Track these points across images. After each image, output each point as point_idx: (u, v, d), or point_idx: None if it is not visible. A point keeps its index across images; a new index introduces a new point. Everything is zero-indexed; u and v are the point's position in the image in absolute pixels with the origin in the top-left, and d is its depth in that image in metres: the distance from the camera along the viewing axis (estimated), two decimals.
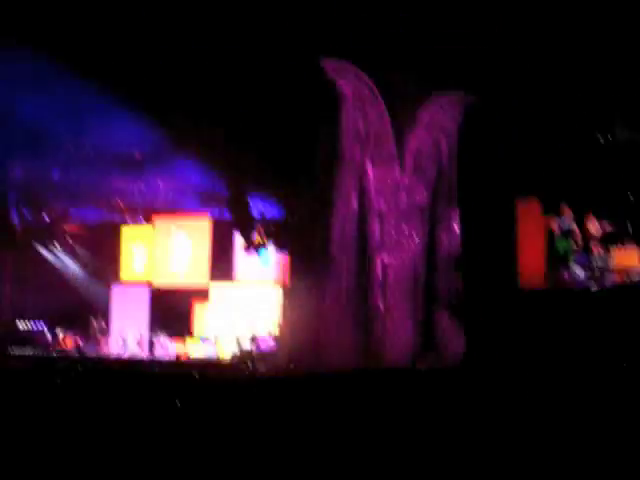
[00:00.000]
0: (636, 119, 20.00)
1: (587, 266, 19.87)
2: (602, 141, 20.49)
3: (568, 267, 20.29)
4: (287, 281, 22.71)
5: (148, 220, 26.72)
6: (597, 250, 18.88)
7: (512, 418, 8.37)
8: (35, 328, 25.92)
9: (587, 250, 20.02)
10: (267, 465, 6.31)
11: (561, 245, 20.55)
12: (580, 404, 9.11)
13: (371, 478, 5.95)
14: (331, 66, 18.90)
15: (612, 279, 19.30)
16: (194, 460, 6.38)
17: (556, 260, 20.72)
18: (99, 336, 25.87)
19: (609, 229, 19.77)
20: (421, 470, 6.13)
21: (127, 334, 25.57)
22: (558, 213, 20.52)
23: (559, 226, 20.36)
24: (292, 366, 17.78)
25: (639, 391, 10.39)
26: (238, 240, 24.21)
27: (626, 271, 19.65)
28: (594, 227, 17.70)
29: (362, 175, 19.33)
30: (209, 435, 7.41)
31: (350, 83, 19.15)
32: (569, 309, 19.04)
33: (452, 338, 19.73)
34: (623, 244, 19.67)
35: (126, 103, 19.62)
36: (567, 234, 20.26)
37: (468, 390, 11.49)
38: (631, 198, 19.86)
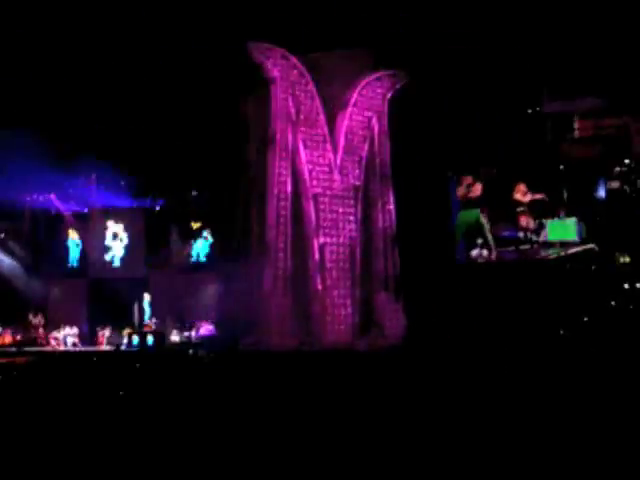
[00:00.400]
0: (563, 91, 20.24)
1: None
2: (530, 113, 20.74)
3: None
4: (224, 266, 22.65)
5: (82, 212, 26.42)
6: (526, 220, 18.97)
7: (454, 394, 8.43)
8: None
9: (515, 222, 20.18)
10: (206, 449, 6.30)
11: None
12: (519, 375, 9.22)
13: (311, 460, 5.95)
14: (257, 48, 18.81)
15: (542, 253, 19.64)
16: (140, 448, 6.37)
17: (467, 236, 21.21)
18: (38, 330, 25.56)
19: (540, 197, 19.91)
20: (363, 451, 6.14)
21: (66, 327, 25.29)
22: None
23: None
24: (233, 350, 17.73)
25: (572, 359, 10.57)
26: (174, 229, 24.08)
27: (563, 243, 19.95)
28: (522, 194, 17.78)
29: (295, 157, 19.30)
30: (153, 424, 7.39)
31: (278, 65, 19.08)
32: (505, 281, 19.29)
33: (392, 317, 19.87)
34: (557, 215, 19.93)
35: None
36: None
37: (410, 368, 11.57)
38: (561, 168, 20.15)
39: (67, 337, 24.85)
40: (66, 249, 26.51)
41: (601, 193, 19.81)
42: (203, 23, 18.19)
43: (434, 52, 18.80)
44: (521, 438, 6.27)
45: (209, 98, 19.22)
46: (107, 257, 25.66)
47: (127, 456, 6.20)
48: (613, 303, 18.31)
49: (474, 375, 9.95)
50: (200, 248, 24.30)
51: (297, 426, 7.02)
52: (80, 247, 26.32)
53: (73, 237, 26.41)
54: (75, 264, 26.39)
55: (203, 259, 24.52)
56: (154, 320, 24.05)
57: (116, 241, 25.60)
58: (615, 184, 19.73)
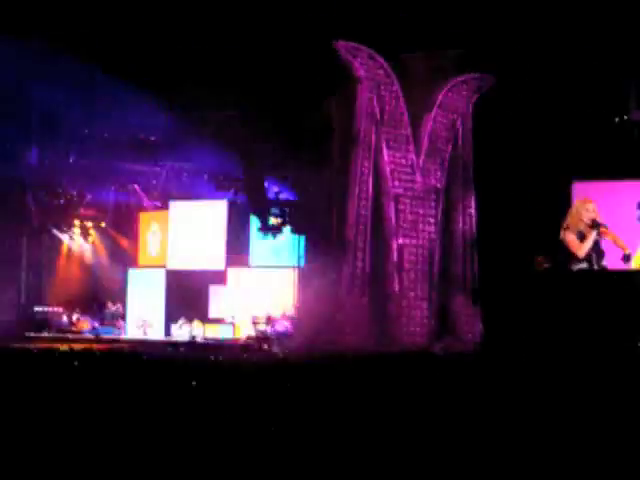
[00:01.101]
0: None
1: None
2: (617, 121, 20.42)
3: None
4: (303, 264, 22.74)
5: (164, 204, 26.76)
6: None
7: (528, 403, 8.33)
8: (51, 311, 26.04)
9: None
10: (280, 450, 6.29)
11: None
12: (594, 388, 9.07)
13: (385, 463, 5.92)
14: (345, 47, 18.81)
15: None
16: (207, 443, 6.37)
17: None
18: (115, 319, 25.98)
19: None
20: (435, 456, 6.10)
21: (143, 317, 25.65)
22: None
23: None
24: (308, 348, 17.76)
25: None
26: (254, 223, 24.19)
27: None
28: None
29: (377, 157, 19.26)
30: (224, 418, 7.41)
31: (364, 64, 19.06)
32: (586, 291, 18.99)
33: (469, 322, 19.74)
34: None
35: (139, 87, 19.61)
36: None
37: (485, 375, 11.46)
38: None
39: (144, 326, 25.25)
40: (148, 239, 26.90)
41: None
42: (292, 20, 18.31)
43: (521, 57, 18.64)
44: (593, 447, 6.18)
45: (295, 96, 19.31)
46: (188, 248, 25.90)
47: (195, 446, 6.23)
48: None
49: (548, 383, 9.82)
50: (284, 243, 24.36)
51: (375, 429, 7.00)
52: (160, 238, 26.66)
53: (155, 228, 26.76)
54: (155, 254, 26.74)
55: (281, 255, 24.60)
56: (230, 314, 24.26)
57: (200, 232, 25.83)
58: None
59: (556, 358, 12.74)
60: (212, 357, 14.94)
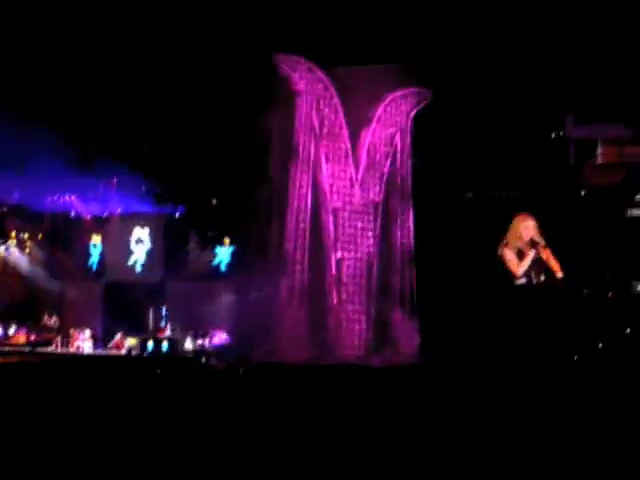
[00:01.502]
0: (588, 116, 20.23)
1: None
2: (553, 137, 20.72)
3: None
4: (241, 276, 22.69)
5: (101, 217, 26.52)
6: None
7: (468, 413, 8.43)
8: None
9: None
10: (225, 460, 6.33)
11: None
12: (531, 394, 9.20)
13: (326, 472, 5.97)
14: (284, 60, 18.87)
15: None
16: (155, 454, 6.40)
17: None
18: (52, 332, 25.62)
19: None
20: (374, 466, 6.16)
21: (81, 330, 25.35)
22: None
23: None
24: (245, 360, 17.73)
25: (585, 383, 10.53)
26: (193, 236, 24.09)
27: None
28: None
29: (316, 171, 19.34)
30: (168, 431, 7.42)
31: (304, 78, 19.15)
32: (523, 303, 19.17)
33: (406, 334, 19.82)
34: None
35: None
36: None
37: (423, 386, 11.56)
38: (582, 193, 20.10)
39: (84, 342, 24.93)
40: (85, 252, 26.61)
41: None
42: (229, 33, 18.31)
43: (459, 71, 18.84)
44: (533, 453, 6.29)
45: (233, 108, 19.29)
46: (129, 262, 25.70)
47: (129, 461, 6.23)
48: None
49: (485, 392, 9.95)
50: (222, 256, 24.32)
51: (306, 439, 7.04)
52: (100, 250, 26.40)
53: (94, 240, 26.50)
54: (94, 267, 26.47)
55: (223, 268, 24.54)
56: (169, 326, 24.09)
57: (138, 246, 25.65)
58: (637, 212, 19.68)
59: (491, 367, 12.88)
60: (151, 371, 14.89)
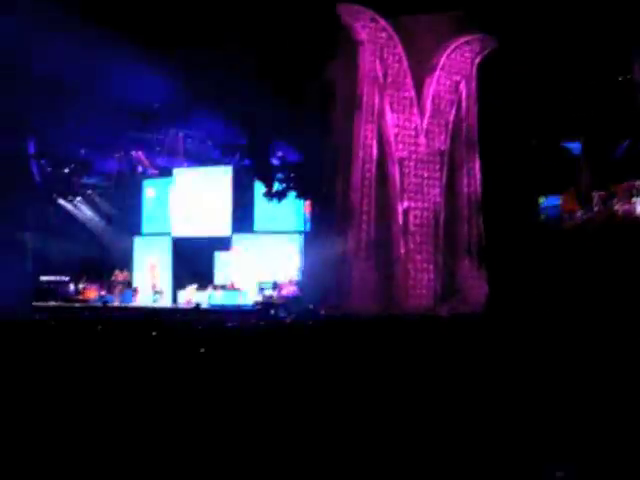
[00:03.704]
0: None
1: None
2: (620, 80, 20.33)
3: None
4: (308, 228, 22.77)
5: (168, 171, 26.71)
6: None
7: (533, 363, 8.37)
8: (58, 280, 26.06)
9: None
10: (288, 410, 6.35)
11: None
12: (600, 346, 9.10)
13: (393, 423, 5.97)
14: (347, 10, 18.71)
15: None
16: (218, 408, 6.42)
17: None
18: (122, 287, 25.98)
19: None
20: (442, 416, 6.14)
21: (150, 284, 25.71)
22: None
23: None
24: (313, 312, 17.82)
25: None
26: (258, 188, 24.13)
27: None
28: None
29: (381, 121, 19.22)
30: (234, 382, 7.46)
31: (366, 27, 18.97)
32: (590, 248, 18.96)
33: (474, 283, 19.76)
34: None
35: (143, 52, 19.44)
36: None
37: (490, 336, 11.50)
38: None
39: (151, 293, 25.33)
40: (152, 207, 26.89)
41: None
42: None
43: (523, 17, 18.53)
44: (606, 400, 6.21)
45: (297, 60, 19.19)
46: (193, 216, 25.85)
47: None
48: None
49: (553, 345, 9.85)
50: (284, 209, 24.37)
51: (382, 390, 7.05)
52: (165, 205, 26.62)
53: (158, 196, 26.74)
54: (161, 222, 26.71)
55: (286, 220, 24.59)
56: (236, 279, 24.26)
57: (202, 200, 25.77)
58: None
59: (560, 319, 12.77)
60: (221, 323, 15.00)
